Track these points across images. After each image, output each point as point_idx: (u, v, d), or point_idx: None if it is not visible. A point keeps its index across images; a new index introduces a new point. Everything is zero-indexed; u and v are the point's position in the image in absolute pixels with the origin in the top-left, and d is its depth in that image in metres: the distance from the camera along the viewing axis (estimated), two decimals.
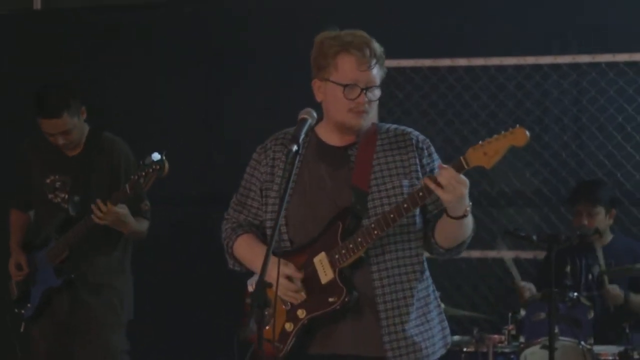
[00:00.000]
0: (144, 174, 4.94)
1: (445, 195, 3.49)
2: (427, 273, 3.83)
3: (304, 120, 3.63)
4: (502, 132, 3.51)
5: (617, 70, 6.50)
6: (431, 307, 3.81)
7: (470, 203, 3.61)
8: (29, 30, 7.41)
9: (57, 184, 5.43)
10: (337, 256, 3.69)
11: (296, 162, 3.55)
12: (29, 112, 7.01)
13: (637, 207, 6.48)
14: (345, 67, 3.67)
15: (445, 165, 3.53)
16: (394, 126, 3.88)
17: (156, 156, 4.92)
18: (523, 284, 6.04)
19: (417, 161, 3.77)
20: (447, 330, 3.88)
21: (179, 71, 7.16)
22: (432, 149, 3.84)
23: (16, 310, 5.53)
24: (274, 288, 3.49)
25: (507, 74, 6.68)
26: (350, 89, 3.67)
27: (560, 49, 6.59)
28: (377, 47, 3.70)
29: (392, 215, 3.60)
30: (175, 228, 5.92)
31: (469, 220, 3.65)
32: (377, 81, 3.72)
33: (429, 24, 6.78)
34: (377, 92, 3.72)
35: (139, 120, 6.94)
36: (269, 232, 3.86)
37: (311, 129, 3.76)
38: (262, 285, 3.35)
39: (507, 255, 6.20)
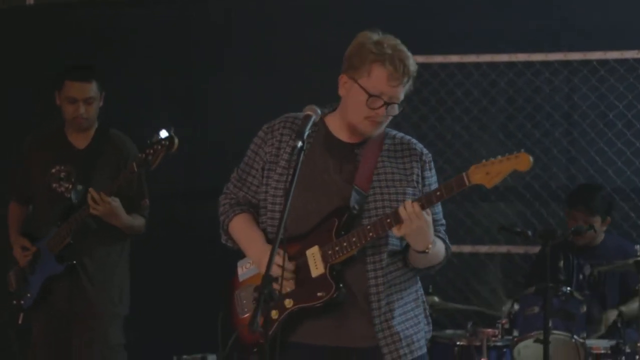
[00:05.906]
0: (151, 151, 4.91)
1: (403, 229, 3.60)
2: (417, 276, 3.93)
3: (309, 117, 3.67)
4: (507, 154, 3.55)
5: (608, 68, 6.55)
6: (419, 302, 3.92)
7: (437, 241, 3.73)
8: (22, 26, 7.40)
9: (62, 174, 5.44)
10: (330, 252, 3.73)
11: (301, 158, 3.56)
12: (23, 108, 7.11)
13: (627, 203, 6.52)
14: (377, 77, 3.70)
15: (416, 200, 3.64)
16: (401, 134, 3.95)
17: (164, 133, 4.90)
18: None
19: (419, 172, 3.85)
20: (430, 326, 3.98)
21: (165, 68, 7.16)
22: (433, 164, 3.92)
23: (14, 302, 5.50)
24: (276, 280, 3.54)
25: (499, 70, 6.73)
26: (374, 99, 3.71)
27: (552, 46, 6.64)
28: (412, 64, 3.73)
29: (388, 220, 3.67)
30: (161, 224, 5.94)
31: (434, 254, 3.76)
32: (401, 97, 3.76)
33: (421, 21, 6.80)
34: (397, 109, 3.77)
35: (124, 116, 6.94)
36: (263, 217, 3.89)
37: (320, 118, 3.82)
38: (268, 280, 3.40)
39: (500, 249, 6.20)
